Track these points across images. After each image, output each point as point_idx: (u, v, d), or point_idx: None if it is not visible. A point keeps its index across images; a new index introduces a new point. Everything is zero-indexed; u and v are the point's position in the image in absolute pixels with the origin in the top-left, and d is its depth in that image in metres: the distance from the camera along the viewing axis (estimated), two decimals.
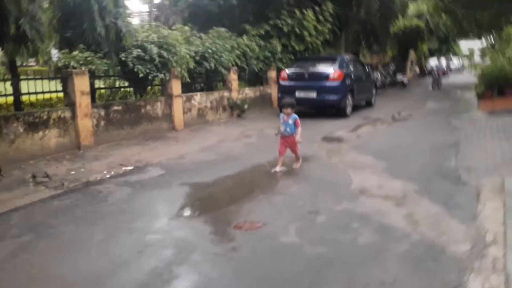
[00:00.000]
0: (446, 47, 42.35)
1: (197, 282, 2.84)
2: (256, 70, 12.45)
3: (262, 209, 4.23)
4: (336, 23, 15.88)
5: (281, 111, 5.74)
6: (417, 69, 38.35)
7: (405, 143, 7.59)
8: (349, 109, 11.16)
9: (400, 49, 30.87)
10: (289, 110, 5.59)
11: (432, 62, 20.83)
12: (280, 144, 5.68)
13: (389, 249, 3.27)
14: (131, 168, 5.85)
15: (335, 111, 11.12)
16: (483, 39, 27.81)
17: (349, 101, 11.14)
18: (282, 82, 11.33)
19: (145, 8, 27.42)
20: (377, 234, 3.53)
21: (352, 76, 11.42)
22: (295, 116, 5.63)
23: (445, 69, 33.07)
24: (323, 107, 11.28)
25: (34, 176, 5.24)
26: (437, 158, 6.29)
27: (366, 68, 14.87)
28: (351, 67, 11.74)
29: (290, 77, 11.17)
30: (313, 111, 11.99)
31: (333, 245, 3.34)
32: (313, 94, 10.70)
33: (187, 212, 4.22)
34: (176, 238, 3.55)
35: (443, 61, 28.60)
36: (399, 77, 24.38)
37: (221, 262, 3.11)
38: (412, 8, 29.95)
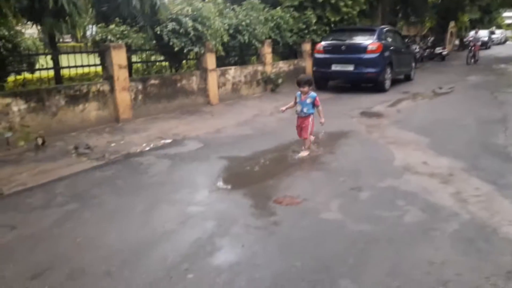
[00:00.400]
0: (488, 18, 39.84)
1: (240, 255, 2.83)
2: (290, 43, 12.15)
3: (301, 184, 4.16)
4: None
5: (300, 86, 5.05)
6: (457, 41, 36.45)
7: (449, 118, 7.25)
8: (387, 83, 10.76)
9: (439, 20, 29.30)
10: (306, 88, 5.00)
11: (472, 33, 19.53)
12: (297, 127, 5.20)
13: (438, 228, 3.14)
14: (169, 141, 5.89)
15: (373, 85, 10.77)
16: None
17: (388, 75, 10.72)
18: (317, 55, 11.02)
19: None
20: (424, 213, 3.40)
21: (391, 48, 10.94)
22: (314, 94, 5.05)
23: (483, 40, 30.90)
24: (361, 81, 10.94)
25: (76, 148, 5.38)
26: (483, 134, 5.98)
27: (405, 40, 14.23)
28: (390, 39, 11.24)
29: (325, 50, 10.83)
30: (348, 85, 11.69)
31: (378, 223, 3.25)
32: (350, 67, 10.36)
33: (226, 185, 4.21)
34: (217, 211, 3.56)
35: (482, 32, 26.60)
36: (438, 49, 23.23)
37: (263, 236, 3.09)
38: None
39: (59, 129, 6.04)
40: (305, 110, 5.04)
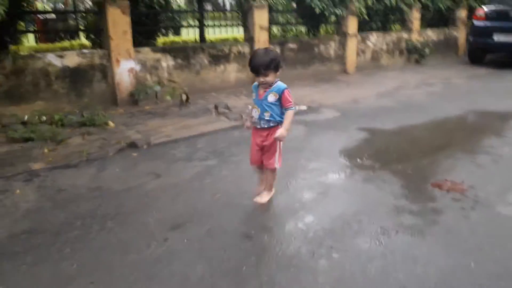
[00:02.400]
0: None
1: (394, 241, 2.40)
2: (443, 8, 10.64)
3: (464, 169, 3.47)
4: None
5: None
6: None
7: None
8: None
9: None
10: (269, 77, 2.61)
11: None
12: (252, 146, 2.88)
13: None
14: (304, 108, 5.59)
15: None
16: None
17: None
18: (476, 22, 9.41)
19: None
20: None
21: None
22: (282, 85, 2.68)
23: None
24: None
25: (216, 107, 5.44)
26: None
27: None
28: None
29: (488, 16, 9.16)
30: (508, 62, 9.83)
31: None
32: None
33: (370, 160, 3.75)
34: (361, 186, 3.16)
35: None
36: None
37: (421, 223, 2.60)
38: None
39: (201, 88, 6.22)
40: (266, 116, 2.70)
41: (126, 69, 5.49)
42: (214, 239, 2.46)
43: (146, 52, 5.75)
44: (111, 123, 4.79)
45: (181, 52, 6.01)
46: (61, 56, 5.14)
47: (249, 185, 3.14)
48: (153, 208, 2.85)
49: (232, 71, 6.55)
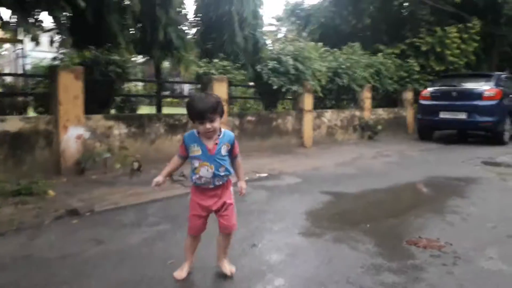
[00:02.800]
0: None
1: None
2: (391, 90, 11.39)
3: (437, 227, 3.28)
4: (481, 45, 14.02)
5: (201, 122, 2.23)
6: None
7: None
8: (507, 135, 9.33)
9: None
10: (215, 122, 2.22)
11: None
12: (196, 212, 2.40)
13: None
14: (265, 175, 5.38)
15: (487, 137, 9.42)
16: None
17: (508, 125, 9.34)
18: (422, 102, 10.05)
19: (273, 29, 28.14)
20: None
21: (511, 96, 9.62)
22: (229, 133, 2.37)
23: None
24: (475, 130, 9.66)
25: (171, 175, 5.08)
26: None
27: None
28: (509, 86, 9.93)
29: (433, 96, 9.84)
30: (454, 138, 10.41)
31: None
32: (462, 115, 9.19)
33: (340, 221, 3.48)
34: (332, 245, 2.84)
35: None
36: None
37: (404, 281, 2.28)
38: None
39: (155, 157, 5.87)
40: (221, 171, 2.30)
41: (73, 136, 5.12)
42: None
43: (98, 119, 5.45)
44: (51, 192, 4.27)
45: (136, 120, 5.77)
46: (2, 120, 4.73)
47: (208, 249, 2.73)
48: (92, 276, 2.36)
49: None
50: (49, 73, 5.36)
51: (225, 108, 6.63)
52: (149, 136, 5.87)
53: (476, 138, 9.99)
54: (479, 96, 9.15)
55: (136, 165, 5.26)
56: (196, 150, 2.27)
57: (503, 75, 10.26)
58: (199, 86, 6.93)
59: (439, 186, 4.94)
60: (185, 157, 2.38)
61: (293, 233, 3.11)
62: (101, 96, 6.19)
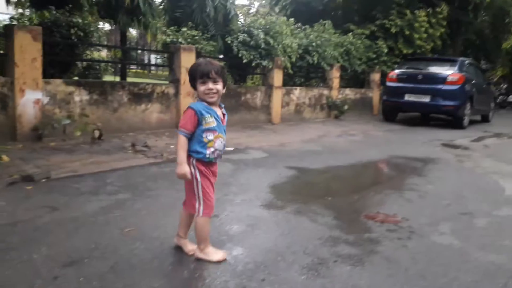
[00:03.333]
0: None
1: (336, 273, 2.09)
2: (359, 70, 11.51)
3: (395, 202, 3.38)
4: (447, 30, 14.34)
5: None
6: None
7: None
8: (466, 120, 9.70)
9: None
10: (218, 85, 2.07)
11: None
12: (209, 188, 2.20)
13: None
14: (231, 149, 5.32)
15: (448, 121, 9.77)
16: None
17: (468, 110, 9.69)
18: (389, 83, 10.23)
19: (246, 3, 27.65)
20: None
21: (473, 82, 9.95)
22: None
23: None
24: (437, 113, 9.97)
25: (133, 145, 4.95)
26: None
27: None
28: (471, 72, 10.26)
29: (399, 78, 10.02)
30: (417, 120, 10.74)
31: None
32: (425, 99, 9.44)
33: (302, 195, 3.51)
34: (292, 218, 2.86)
35: None
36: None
37: (360, 253, 2.34)
38: None
39: (118, 127, 5.70)
40: (224, 143, 2.22)
41: (31, 100, 4.86)
42: (118, 276, 1.95)
43: (58, 84, 5.18)
44: (4, 157, 4.05)
45: (98, 87, 5.53)
46: None
47: (169, 219, 2.69)
48: (42, 243, 2.27)
49: (154, 112, 6.16)
50: (5, 33, 5.01)
51: None
52: (111, 104, 5.66)
53: (437, 122, 10.32)
54: (442, 80, 9.39)
55: (97, 133, 5.10)
56: (211, 122, 2.06)
57: (467, 61, 10.57)
58: (165, 55, 6.69)
59: (399, 165, 5.08)
60: (191, 133, 2.08)
61: (255, 205, 3.12)
62: (61, 61, 5.88)
